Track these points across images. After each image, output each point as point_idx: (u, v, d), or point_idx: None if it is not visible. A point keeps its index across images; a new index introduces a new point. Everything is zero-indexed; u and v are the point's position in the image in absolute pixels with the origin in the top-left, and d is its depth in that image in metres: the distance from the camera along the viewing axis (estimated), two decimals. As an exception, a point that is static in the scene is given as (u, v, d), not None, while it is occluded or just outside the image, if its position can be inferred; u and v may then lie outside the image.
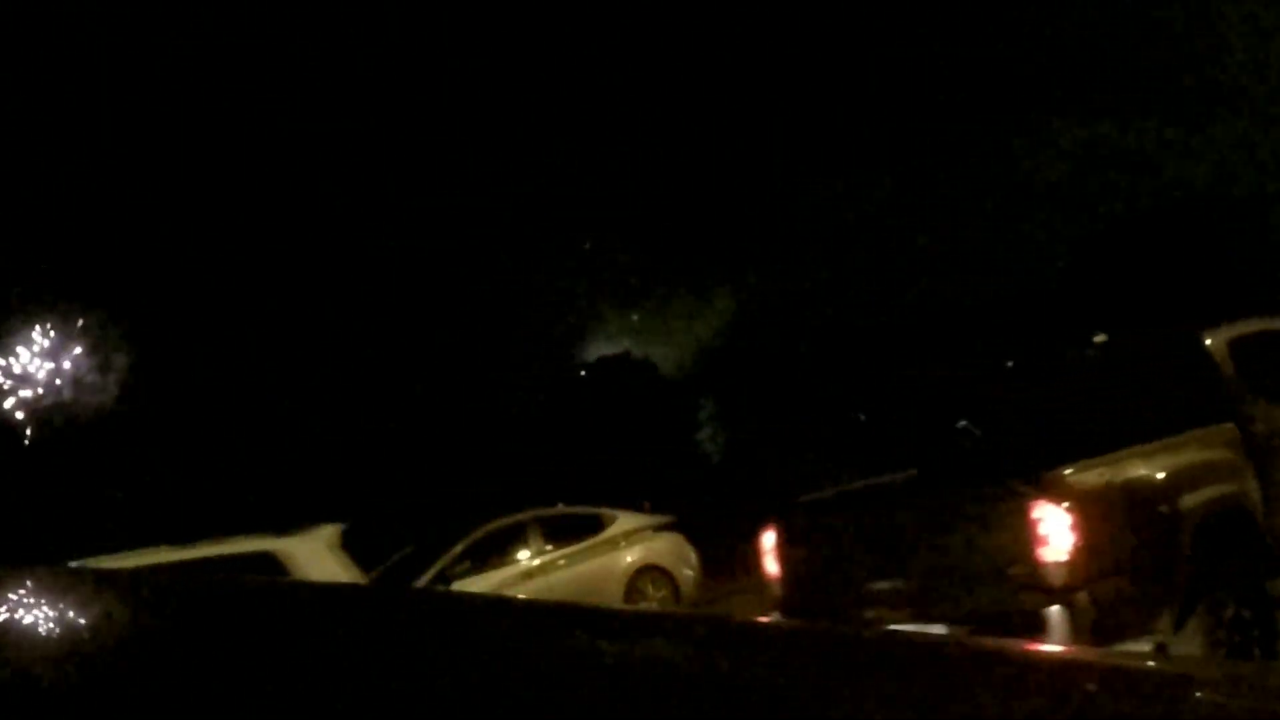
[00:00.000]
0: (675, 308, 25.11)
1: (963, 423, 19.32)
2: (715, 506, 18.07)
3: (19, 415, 21.46)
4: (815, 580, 6.81)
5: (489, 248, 23.13)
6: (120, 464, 19.69)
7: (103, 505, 18.45)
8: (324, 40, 22.60)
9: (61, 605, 1.57)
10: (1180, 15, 21.47)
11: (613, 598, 13.30)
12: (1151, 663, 1.60)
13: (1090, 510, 5.62)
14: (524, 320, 23.49)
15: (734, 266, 24.81)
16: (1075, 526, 5.55)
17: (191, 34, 21.72)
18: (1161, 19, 21.53)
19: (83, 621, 1.51)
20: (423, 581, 13.09)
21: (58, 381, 21.76)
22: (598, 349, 25.25)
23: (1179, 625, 5.71)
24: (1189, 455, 6.25)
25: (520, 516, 13.94)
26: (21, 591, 1.61)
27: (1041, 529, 5.57)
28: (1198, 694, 1.14)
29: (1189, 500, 6.00)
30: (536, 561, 13.57)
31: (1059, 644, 5.18)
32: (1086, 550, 5.54)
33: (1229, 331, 6.96)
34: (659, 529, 14.21)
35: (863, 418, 24.76)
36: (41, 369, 21.59)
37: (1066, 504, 5.58)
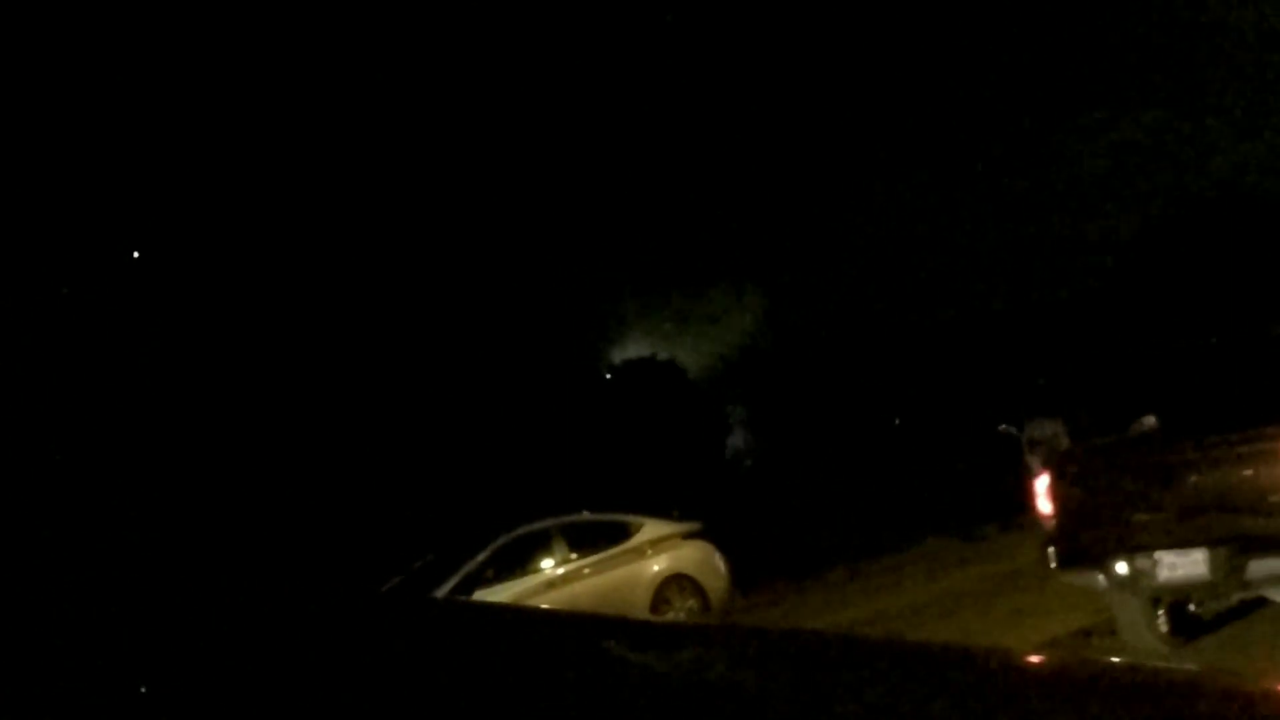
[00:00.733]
0: (703, 310, 25.11)
1: (1003, 426, 19.23)
2: (746, 513, 18.05)
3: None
4: (1086, 515, 8.16)
5: (514, 250, 23.22)
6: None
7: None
8: (352, 42, 22.85)
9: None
10: (1223, 10, 21.33)
11: (639, 607, 13.27)
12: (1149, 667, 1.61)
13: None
14: (548, 323, 23.54)
15: (764, 268, 24.79)
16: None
17: (211, 40, 21.98)
18: (1203, 14, 21.42)
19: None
20: (444, 591, 13.14)
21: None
22: (623, 352, 25.29)
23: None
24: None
25: (544, 524, 13.91)
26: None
27: None
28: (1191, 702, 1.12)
29: None
30: (560, 570, 13.53)
31: None
32: None
33: None
34: (687, 536, 14.14)
35: (898, 422, 24.68)
36: None
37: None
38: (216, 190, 22.13)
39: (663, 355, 24.20)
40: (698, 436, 22.62)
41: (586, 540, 13.80)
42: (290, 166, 22.36)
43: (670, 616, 13.29)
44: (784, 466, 22.60)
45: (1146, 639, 7.87)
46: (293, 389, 21.40)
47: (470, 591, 13.27)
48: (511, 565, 13.56)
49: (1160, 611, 8.00)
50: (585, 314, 24.69)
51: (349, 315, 22.11)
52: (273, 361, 21.46)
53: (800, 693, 1.14)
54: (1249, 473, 7.25)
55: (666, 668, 1.30)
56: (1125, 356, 21.80)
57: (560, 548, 13.73)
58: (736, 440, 24.50)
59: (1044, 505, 8.57)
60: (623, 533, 13.90)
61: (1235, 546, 7.16)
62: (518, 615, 2.39)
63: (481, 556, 13.56)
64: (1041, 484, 8.67)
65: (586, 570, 13.54)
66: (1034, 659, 1.54)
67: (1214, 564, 7.28)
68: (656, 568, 13.70)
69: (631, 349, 25.40)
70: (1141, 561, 7.52)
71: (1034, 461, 18.25)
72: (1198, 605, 8.16)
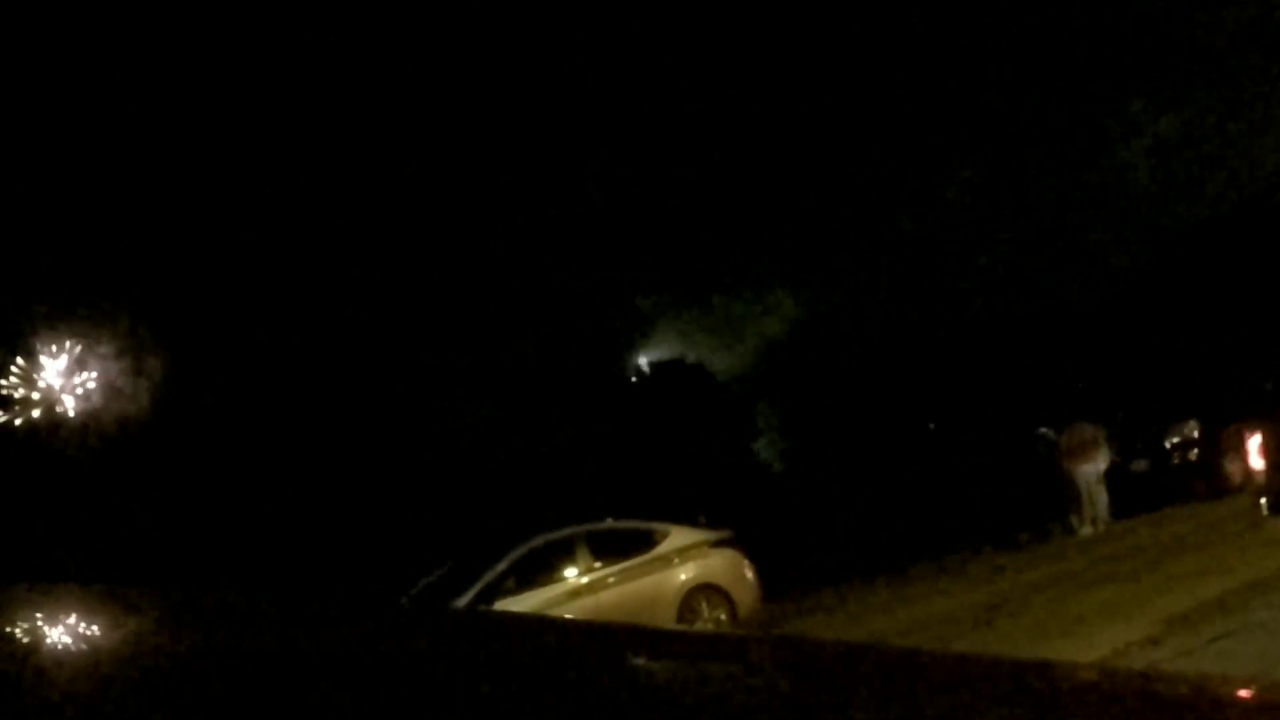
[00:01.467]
0: (733, 312, 25.08)
1: (1042, 429, 19.14)
2: (776, 519, 18.05)
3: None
4: None
5: (540, 251, 23.28)
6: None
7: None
8: (369, 42, 22.99)
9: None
10: (1268, 5, 21.12)
11: (665, 618, 13.25)
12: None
13: None
14: (575, 325, 23.61)
15: (793, 268, 24.71)
16: None
17: (211, 39, 22.14)
18: (1248, 9, 21.21)
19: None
20: (464, 601, 13.17)
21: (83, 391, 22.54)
22: (651, 354, 25.25)
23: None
24: None
25: (567, 531, 13.95)
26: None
27: None
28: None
29: None
30: (585, 579, 13.57)
31: None
32: None
33: None
34: (715, 544, 14.11)
35: (932, 426, 24.60)
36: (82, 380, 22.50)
37: None
38: (239, 202, 22.44)
39: (691, 358, 24.20)
40: (726, 441, 22.59)
41: (611, 548, 13.86)
42: (303, 171, 22.55)
43: (697, 627, 13.34)
44: (815, 471, 22.58)
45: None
46: (312, 396, 21.58)
47: (491, 602, 13.30)
48: (533, 574, 13.60)
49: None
50: (612, 316, 24.70)
51: (371, 321, 22.27)
52: (293, 368, 21.63)
53: (827, 705, 1.14)
54: None
55: (693, 680, 1.30)
56: (1164, 360, 21.74)
57: (584, 556, 13.78)
58: (765, 444, 24.45)
59: (1256, 462, 10.33)
60: (648, 541, 13.94)
61: None
62: (540, 625, 2.39)
63: (502, 566, 13.59)
64: (1254, 443, 10.29)
65: (611, 580, 13.61)
66: (1074, 670, 1.53)
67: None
68: (683, 577, 13.72)
69: (659, 351, 25.41)
70: None
71: (1073, 468, 18.22)
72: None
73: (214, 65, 22.04)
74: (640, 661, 1.38)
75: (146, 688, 1.15)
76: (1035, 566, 14.08)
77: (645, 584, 13.52)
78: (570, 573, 13.63)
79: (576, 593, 13.52)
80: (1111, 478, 17.74)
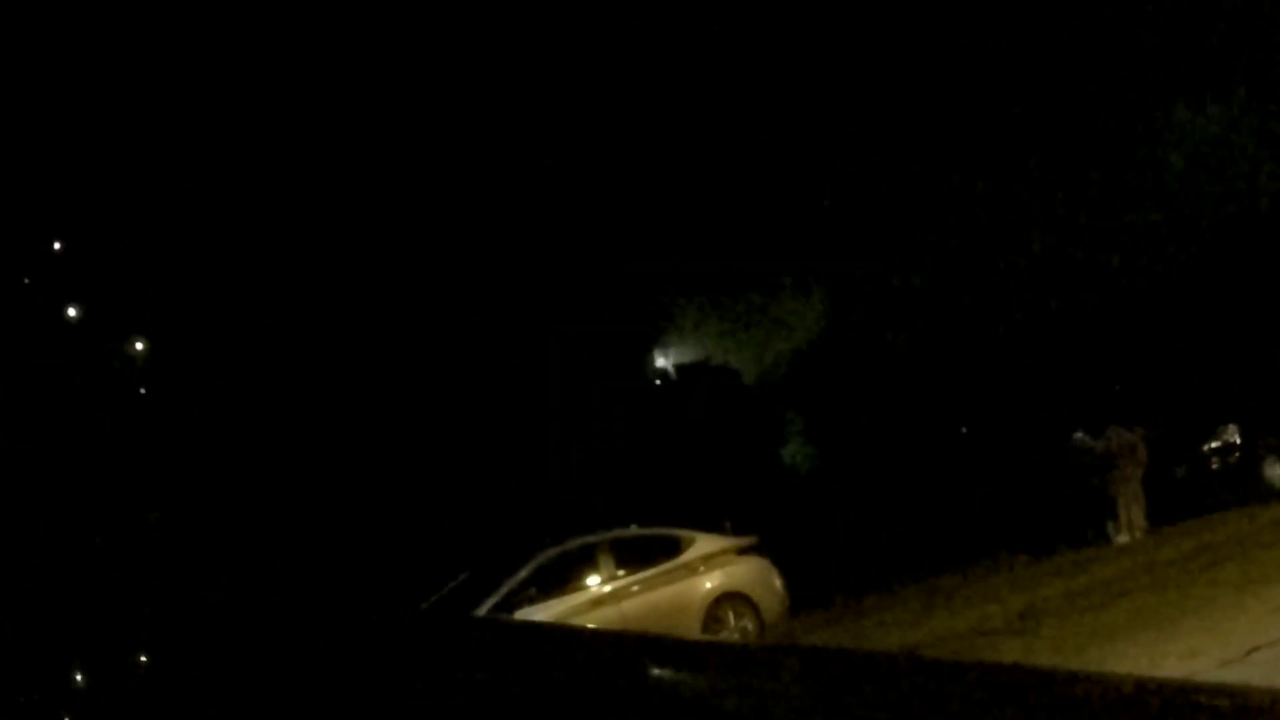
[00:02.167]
0: (760, 313, 25.16)
1: (1078, 434, 19.09)
2: (803, 525, 18.10)
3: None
4: None
5: (562, 251, 23.47)
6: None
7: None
8: (402, 42, 23.30)
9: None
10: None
11: (690, 627, 13.37)
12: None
13: None
14: (597, 326, 23.78)
15: (824, 269, 24.78)
16: None
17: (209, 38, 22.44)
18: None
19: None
20: (485, 609, 13.26)
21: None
22: (676, 357, 25.34)
23: None
24: None
25: (590, 539, 14.07)
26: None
27: None
28: None
29: None
30: (608, 588, 13.65)
31: None
32: None
33: None
34: (741, 552, 14.22)
35: (964, 430, 24.59)
36: None
37: None
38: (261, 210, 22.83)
39: (717, 360, 24.31)
40: (753, 445, 22.69)
41: (635, 556, 13.93)
42: (319, 173, 22.89)
43: (723, 637, 13.47)
44: (844, 476, 22.63)
45: None
46: (325, 400, 21.83)
47: (512, 610, 13.39)
48: (555, 582, 13.70)
49: None
50: (636, 317, 24.85)
51: (387, 324, 22.51)
52: (303, 372, 21.91)
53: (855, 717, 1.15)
54: None
55: (718, 692, 1.31)
56: (1203, 364, 21.72)
57: (607, 564, 13.88)
58: (794, 449, 24.53)
59: None
60: (673, 548, 14.00)
61: None
62: (561, 635, 2.43)
63: (523, 574, 13.68)
64: None
65: (635, 588, 13.68)
66: (1106, 681, 1.55)
67: None
68: (709, 585, 13.81)
69: (684, 353, 25.53)
70: None
71: (1110, 474, 18.20)
72: None
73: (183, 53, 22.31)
74: (664, 672, 1.40)
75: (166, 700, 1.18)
76: (1071, 575, 14.07)
77: (669, 592, 13.61)
78: (593, 581, 13.73)
79: (599, 601, 13.63)
80: (1149, 483, 17.70)
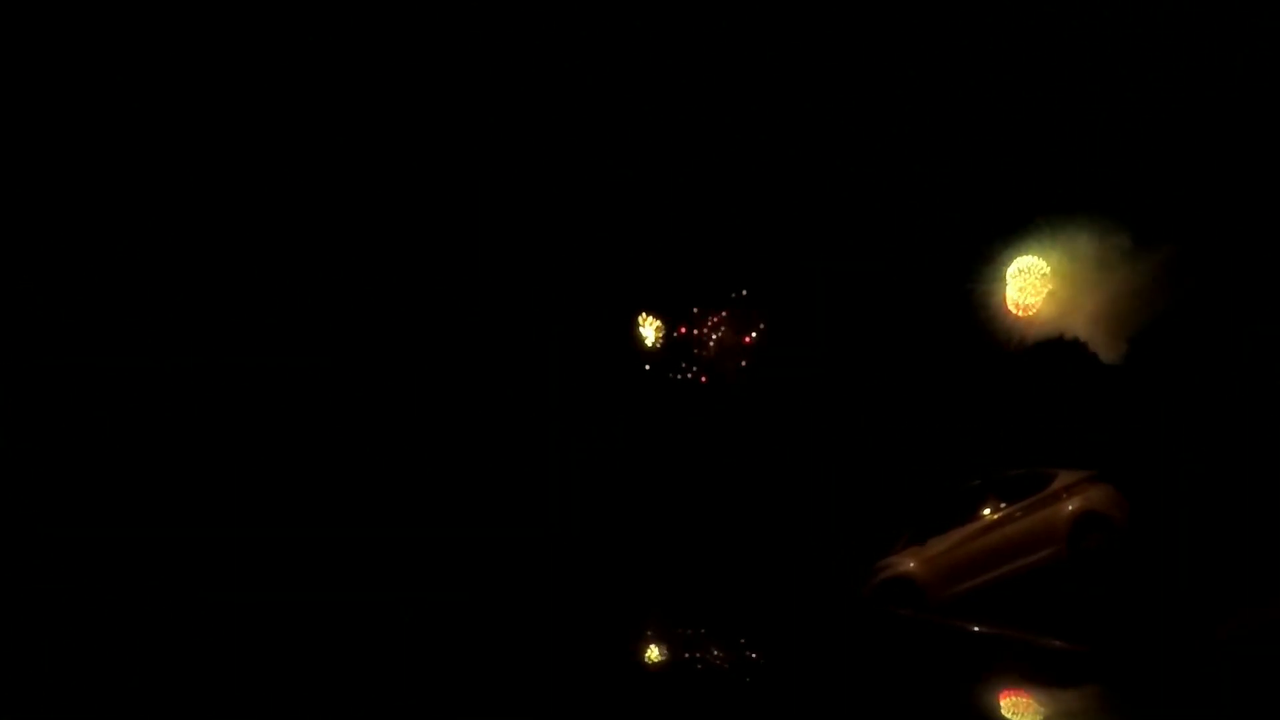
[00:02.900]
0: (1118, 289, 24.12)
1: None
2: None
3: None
4: None
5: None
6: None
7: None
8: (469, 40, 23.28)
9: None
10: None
11: (1058, 540, 17.67)
12: None
13: None
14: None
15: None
16: None
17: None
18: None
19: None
20: (908, 540, 18.55)
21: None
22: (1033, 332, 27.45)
23: None
24: None
25: (978, 480, 18.75)
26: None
27: None
28: None
29: None
30: (996, 516, 18.28)
31: None
32: None
33: None
34: (1092, 480, 17.89)
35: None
36: None
37: None
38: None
39: (1070, 335, 26.74)
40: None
41: (1014, 490, 18.32)
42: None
43: (1084, 546, 17.65)
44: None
45: None
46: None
47: (925, 538, 18.61)
48: (959, 514, 18.50)
49: None
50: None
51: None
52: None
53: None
54: None
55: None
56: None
57: (994, 498, 18.42)
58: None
59: None
60: (1043, 481, 18.21)
61: None
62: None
63: (928, 510, 18.84)
64: None
65: (1017, 514, 18.10)
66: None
67: None
68: (1071, 508, 17.82)
69: (1041, 329, 27.76)
70: None
71: None
72: None
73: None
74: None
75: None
76: None
77: (1042, 515, 17.92)
78: (985, 511, 18.37)
79: (989, 528, 18.19)
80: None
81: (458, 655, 3.05)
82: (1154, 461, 19.51)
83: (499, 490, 21.12)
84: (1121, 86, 22.61)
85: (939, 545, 18.17)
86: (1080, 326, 25.22)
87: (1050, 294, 25.00)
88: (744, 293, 26.59)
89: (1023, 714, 2.54)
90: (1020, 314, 24.96)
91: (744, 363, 26.67)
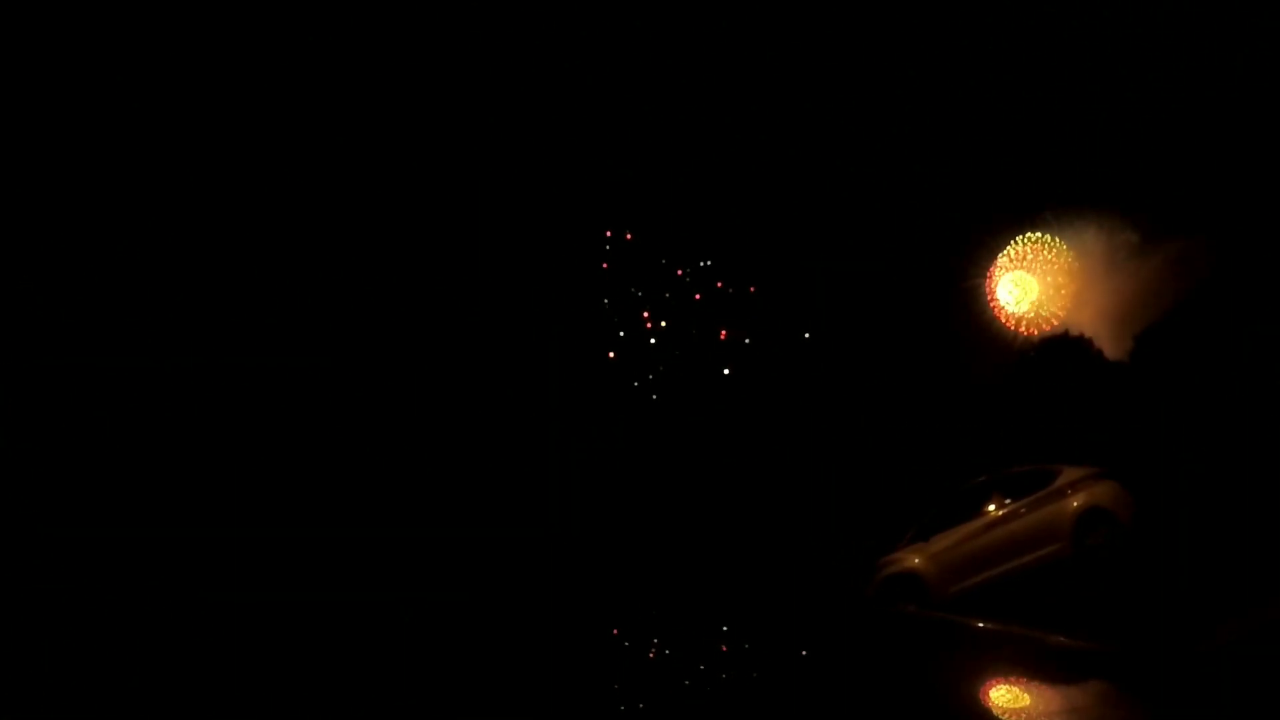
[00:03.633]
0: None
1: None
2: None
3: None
4: None
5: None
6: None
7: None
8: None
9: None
10: None
11: (1062, 536, 17.66)
12: None
13: None
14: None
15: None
16: None
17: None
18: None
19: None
20: (912, 533, 18.63)
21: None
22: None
23: None
24: None
25: (985, 477, 18.74)
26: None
27: None
28: None
29: None
30: (1001, 512, 18.28)
31: None
32: None
33: None
34: (1097, 477, 17.87)
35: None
36: None
37: None
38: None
39: (1074, 332, 26.80)
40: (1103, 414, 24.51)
41: (1018, 487, 18.30)
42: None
43: (1088, 542, 17.59)
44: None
45: None
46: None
47: (929, 534, 18.65)
48: (965, 510, 18.52)
49: None
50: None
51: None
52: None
53: None
54: None
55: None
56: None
57: (998, 495, 18.42)
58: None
59: None
60: (1048, 478, 18.20)
61: None
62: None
63: (933, 509, 18.83)
64: None
65: (1022, 510, 18.07)
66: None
67: None
68: (1076, 504, 17.77)
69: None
70: None
71: None
72: None
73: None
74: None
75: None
76: None
77: (1047, 511, 17.89)
78: (990, 507, 18.38)
79: (995, 523, 18.19)
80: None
81: (458, 655, 3.03)
82: (1159, 458, 19.54)
83: (499, 490, 21.23)
84: (1126, 82, 22.78)
85: (943, 542, 18.18)
86: (1086, 323, 25.23)
87: (1042, 302, 25.00)
88: (750, 289, 26.54)
89: (1027, 710, 2.53)
90: (1013, 325, 24.80)
91: (746, 361, 26.66)
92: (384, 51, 22.76)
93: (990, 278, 24.92)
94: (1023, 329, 24.77)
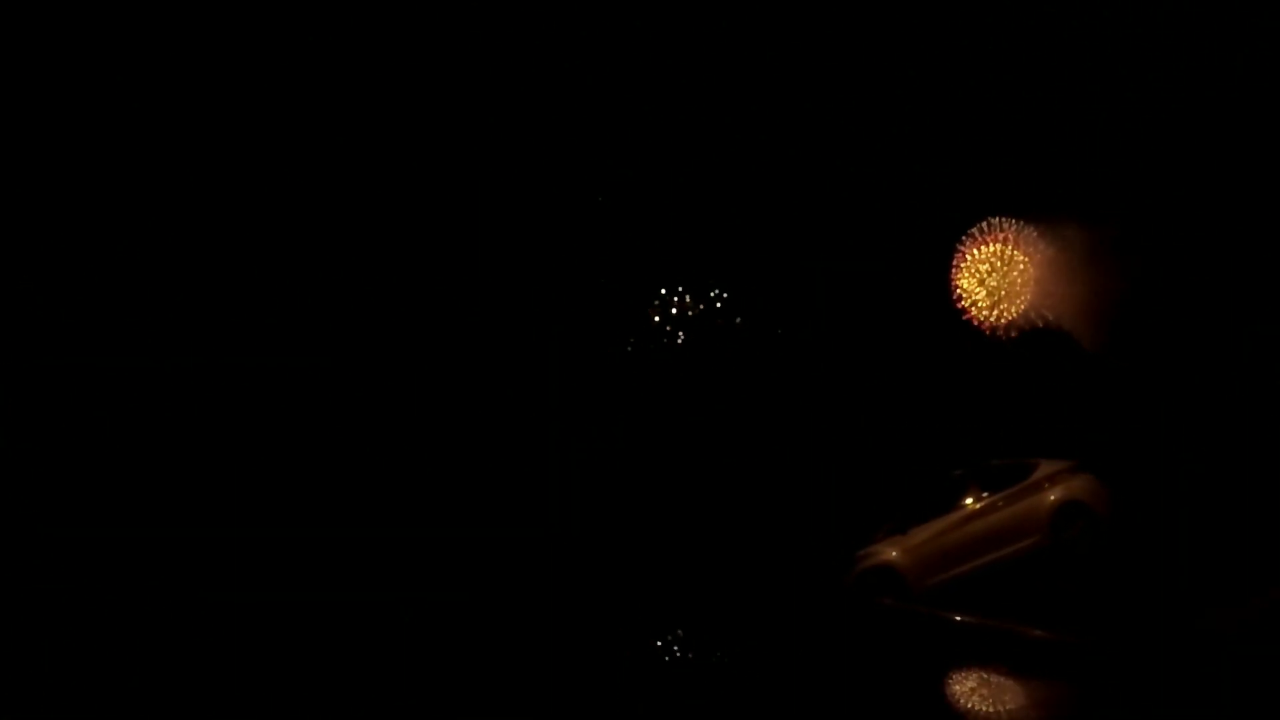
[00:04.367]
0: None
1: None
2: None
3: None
4: None
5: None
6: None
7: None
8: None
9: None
10: None
11: (1039, 530, 17.58)
12: None
13: None
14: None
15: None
16: None
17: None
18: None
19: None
20: (894, 526, 18.67)
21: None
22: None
23: None
24: None
25: (962, 470, 18.65)
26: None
27: None
28: None
29: None
30: (979, 505, 18.17)
31: None
32: None
33: None
34: (1074, 470, 17.70)
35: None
36: None
37: None
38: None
39: (1055, 325, 26.69)
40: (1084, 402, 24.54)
41: (996, 480, 18.23)
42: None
43: (1065, 535, 17.51)
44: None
45: None
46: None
47: (907, 527, 18.58)
48: (942, 504, 18.39)
49: None
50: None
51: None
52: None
53: None
54: None
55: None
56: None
57: (975, 488, 18.32)
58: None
59: None
60: (1025, 471, 18.15)
61: None
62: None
63: (911, 504, 18.72)
64: None
65: (999, 504, 17.95)
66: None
67: None
68: (1053, 497, 17.59)
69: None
70: None
71: None
72: None
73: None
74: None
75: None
76: None
77: (1024, 505, 17.82)
78: (967, 500, 18.28)
79: (973, 516, 18.07)
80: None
81: (458, 655, 3.10)
82: (1136, 452, 19.60)
83: (499, 490, 21.27)
84: (1112, 82, 22.92)
85: (921, 534, 18.06)
86: (1064, 316, 25.09)
87: (1001, 295, 24.93)
88: (725, 296, 26.60)
89: (1003, 703, 2.59)
90: (976, 317, 24.92)
91: (731, 357, 26.72)
92: (384, 51, 22.72)
93: (954, 271, 25.02)
94: (987, 321, 24.82)
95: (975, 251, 25.21)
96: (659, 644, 3.72)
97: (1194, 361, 22.00)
